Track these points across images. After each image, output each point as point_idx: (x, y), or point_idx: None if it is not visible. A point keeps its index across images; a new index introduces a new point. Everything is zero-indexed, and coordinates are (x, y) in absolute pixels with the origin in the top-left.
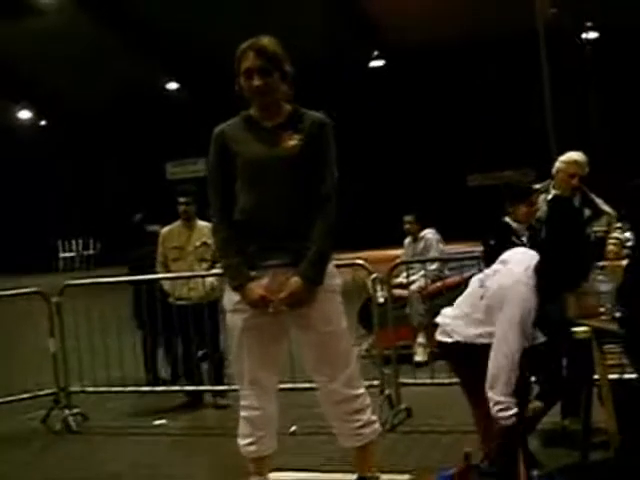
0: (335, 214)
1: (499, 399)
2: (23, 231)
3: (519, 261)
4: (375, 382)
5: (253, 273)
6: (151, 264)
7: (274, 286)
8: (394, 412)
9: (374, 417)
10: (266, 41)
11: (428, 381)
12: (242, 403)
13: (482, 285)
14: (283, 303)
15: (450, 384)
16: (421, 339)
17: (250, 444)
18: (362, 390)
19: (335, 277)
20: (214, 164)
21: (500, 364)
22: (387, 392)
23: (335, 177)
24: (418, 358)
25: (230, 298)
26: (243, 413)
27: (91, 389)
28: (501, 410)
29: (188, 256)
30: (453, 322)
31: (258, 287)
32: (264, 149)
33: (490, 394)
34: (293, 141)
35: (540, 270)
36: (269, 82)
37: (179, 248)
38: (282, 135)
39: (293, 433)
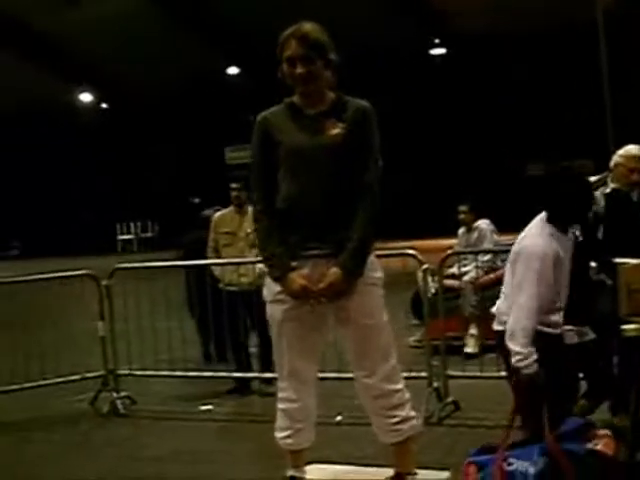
0: (378, 204)
1: (518, 350)
2: (81, 213)
3: (529, 227)
4: (423, 374)
5: (294, 263)
6: (204, 248)
7: (315, 276)
8: (441, 405)
9: (413, 413)
10: (309, 28)
11: (477, 374)
12: (280, 395)
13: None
14: (322, 294)
15: (499, 377)
16: (473, 330)
17: (287, 437)
18: (401, 385)
19: (376, 270)
20: (257, 152)
21: (517, 314)
22: (435, 384)
23: (379, 166)
24: (469, 349)
25: (270, 288)
26: (281, 405)
27: (139, 372)
28: (521, 360)
29: (239, 242)
30: (505, 310)
31: (299, 277)
32: (307, 137)
33: (510, 345)
34: (336, 129)
35: (550, 217)
36: (312, 70)
37: (231, 234)
38: (325, 123)
39: (338, 423)
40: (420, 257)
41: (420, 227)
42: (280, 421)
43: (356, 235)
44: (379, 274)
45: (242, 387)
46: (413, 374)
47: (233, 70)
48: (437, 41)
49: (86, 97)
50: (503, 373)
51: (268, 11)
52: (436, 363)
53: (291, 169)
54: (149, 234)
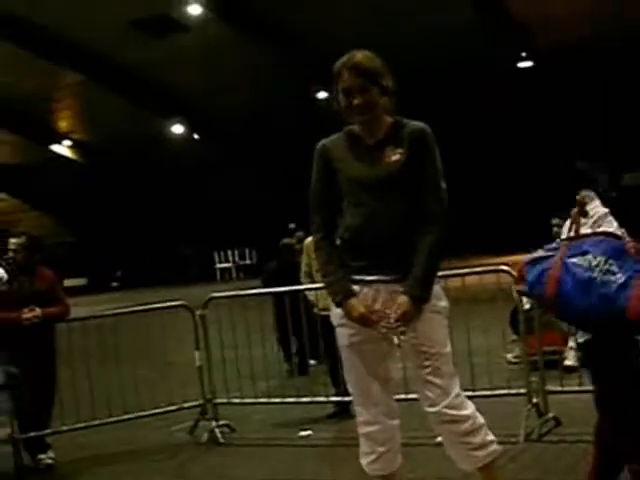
0: (444, 229)
1: None
2: (177, 242)
3: None
4: (522, 390)
5: (357, 288)
6: (285, 276)
7: (378, 302)
8: (542, 421)
9: (490, 437)
10: (360, 57)
11: (576, 388)
12: (358, 419)
13: None
14: (397, 324)
15: None
16: (572, 343)
17: (372, 462)
18: (470, 411)
19: (441, 299)
20: (317, 179)
21: None
22: (535, 400)
23: (443, 190)
24: (568, 362)
25: (336, 313)
26: (361, 430)
27: (237, 400)
28: None
29: None
30: None
31: (359, 304)
32: (366, 168)
33: None
34: (395, 156)
35: None
36: (367, 99)
37: None
38: (384, 151)
39: (440, 443)
40: (514, 272)
41: (516, 242)
42: (363, 446)
43: (421, 260)
44: (444, 303)
45: (342, 411)
46: (513, 391)
47: (322, 94)
48: (524, 54)
49: (178, 129)
50: None
51: (356, 33)
52: (535, 379)
53: (353, 199)
54: (247, 261)
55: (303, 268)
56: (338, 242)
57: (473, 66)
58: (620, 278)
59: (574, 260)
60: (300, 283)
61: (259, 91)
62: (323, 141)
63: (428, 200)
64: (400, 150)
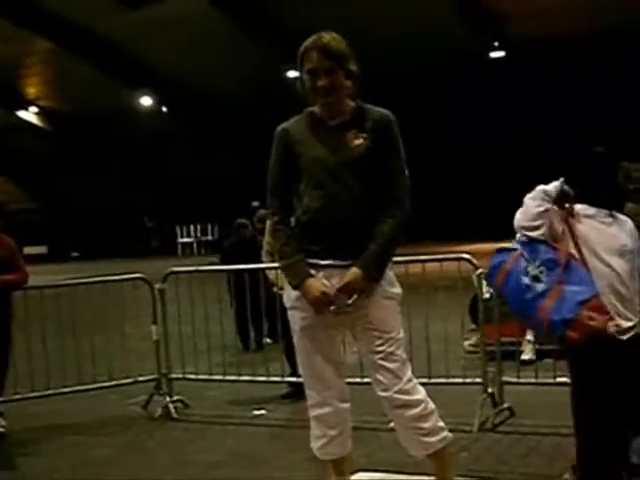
0: (405, 215)
1: None
2: (141, 215)
3: None
4: (478, 379)
5: (313, 272)
6: (241, 254)
7: (334, 285)
8: (496, 411)
9: (441, 424)
10: (329, 38)
11: (532, 380)
12: (309, 402)
13: None
14: (342, 296)
15: (555, 384)
16: (529, 336)
17: (324, 445)
18: (421, 396)
19: (395, 285)
20: (275, 162)
21: None
22: (490, 390)
23: (405, 176)
24: (525, 356)
25: (289, 295)
26: (312, 413)
27: (192, 376)
28: None
29: None
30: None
31: (318, 283)
32: (329, 150)
33: None
34: (358, 140)
35: None
36: (333, 81)
37: None
38: (347, 134)
39: (392, 429)
40: (475, 261)
41: (480, 230)
42: (314, 429)
43: (378, 240)
44: (397, 290)
45: (296, 392)
46: (468, 380)
47: (292, 74)
48: (496, 44)
49: (146, 100)
50: (559, 380)
51: (333, 19)
52: (492, 369)
53: (313, 181)
54: (209, 237)
55: (265, 247)
56: (294, 223)
57: (443, 55)
58: (541, 287)
59: (524, 262)
60: (258, 261)
61: (230, 67)
62: (283, 124)
63: (391, 186)
64: (364, 135)
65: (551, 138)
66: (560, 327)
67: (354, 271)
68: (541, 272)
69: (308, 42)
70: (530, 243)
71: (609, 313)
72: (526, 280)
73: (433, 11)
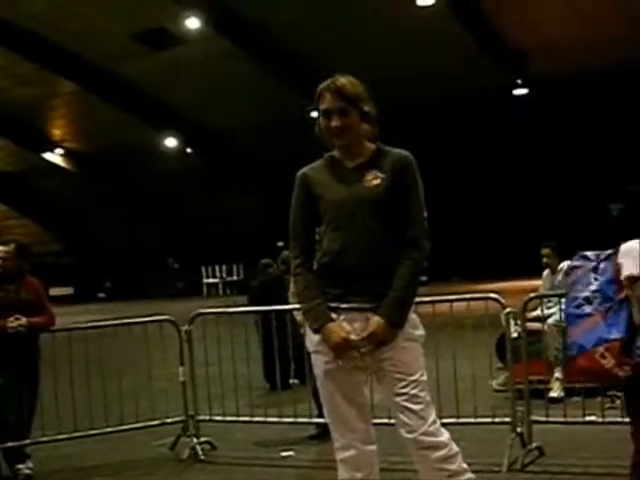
0: (423, 258)
1: None
2: (166, 256)
3: None
4: (506, 419)
5: (334, 316)
6: (269, 295)
7: (355, 328)
8: (525, 451)
9: (464, 466)
10: (343, 81)
11: (561, 419)
12: (335, 445)
13: None
14: (365, 344)
15: (584, 423)
16: (557, 374)
17: None
18: (445, 438)
19: (417, 327)
20: (296, 206)
21: None
22: (519, 429)
23: (424, 218)
24: (553, 394)
25: (311, 339)
26: (338, 456)
27: (219, 418)
28: None
29: None
30: None
31: (338, 328)
32: (347, 190)
33: None
34: (377, 180)
35: None
36: (346, 122)
37: None
38: (365, 175)
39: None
40: (502, 300)
41: (505, 269)
42: (340, 472)
43: (398, 286)
44: (420, 332)
45: (324, 432)
46: (497, 419)
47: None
48: (519, 81)
49: (171, 142)
50: (588, 418)
51: (353, 55)
52: (520, 408)
53: (332, 223)
54: (235, 277)
55: (291, 288)
56: (315, 267)
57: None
58: (588, 310)
59: (592, 276)
60: (285, 300)
61: (255, 107)
62: (303, 169)
63: (409, 227)
64: (382, 175)
65: (579, 176)
66: (575, 351)
67: (377, 320)
68: (595, 298)
69: (324, 84)
70: (607, 260)
71: (622, 360)
72: (583, 294)
73: (454, 46)
